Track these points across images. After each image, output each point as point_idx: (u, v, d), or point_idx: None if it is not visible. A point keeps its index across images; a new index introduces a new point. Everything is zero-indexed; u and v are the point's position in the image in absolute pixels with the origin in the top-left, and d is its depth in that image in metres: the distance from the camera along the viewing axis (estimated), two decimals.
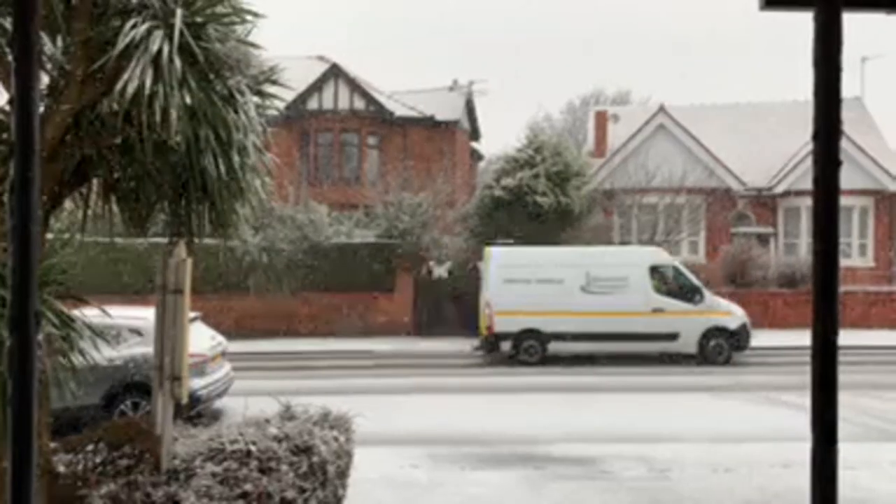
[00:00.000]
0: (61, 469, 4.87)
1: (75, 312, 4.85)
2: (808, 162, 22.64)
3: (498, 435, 9.27)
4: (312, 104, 26.46)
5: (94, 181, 5.34)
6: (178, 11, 4.12)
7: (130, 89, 3.96)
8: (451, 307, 20.01)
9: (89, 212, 5.35)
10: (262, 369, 14.02)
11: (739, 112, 26.62)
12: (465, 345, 18.04)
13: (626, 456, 8.18)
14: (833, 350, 1.04)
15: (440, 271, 20.22)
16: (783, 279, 20.82)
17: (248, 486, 4.88)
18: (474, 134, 32.43)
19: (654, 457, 8.12)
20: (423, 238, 20.51)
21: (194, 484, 4.83)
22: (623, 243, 22.54)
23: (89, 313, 5.05)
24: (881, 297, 20.18)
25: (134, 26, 4.05)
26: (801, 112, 23.15)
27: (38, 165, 1.56)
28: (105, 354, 6.43)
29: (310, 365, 15.49)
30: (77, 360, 4.69)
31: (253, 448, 5.07)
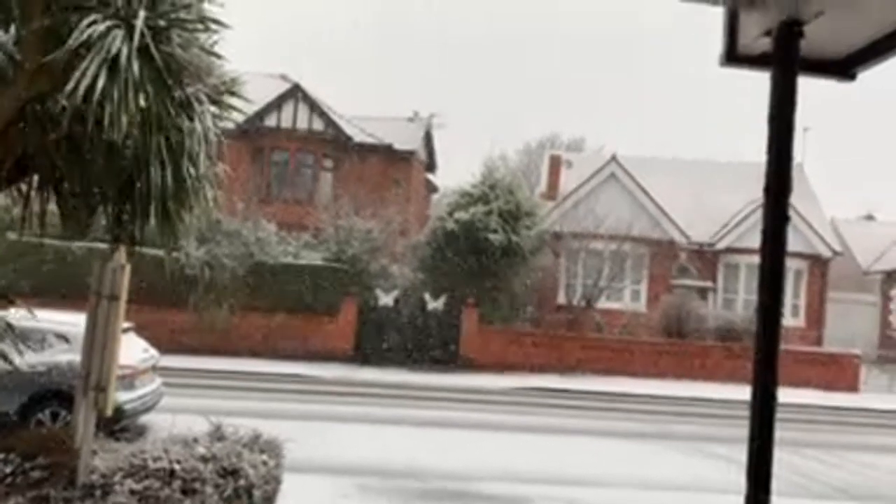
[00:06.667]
0: None
1: None
2: (750, 221, 23.48)
3: (430, 470, 9.16)
4: (270, 121, 26.23)
5: (35, 178, 5.14)
6: (141, 13, 4.04)
7: (83, 86, 3.84)
8: (394, 336, 19.84)
9: (27, 210, 5.13)
10: (194, 387, 13.57)
11: (688, 168, 27.52)
12: (406, 376, 17.86)
13: (555, 497, 8.17)
14: (772, 404, 1.06)
15: (386, 300, 20.08)
16: (720, 333, 21.37)
17: None
18: (431, 166, 32.64)
19: (582, 499, 8.13)
20: (372, 265, 20.37)
21: (110, 501, 4.60)
22: (569, 286, 22.85)
23: (14, 315, 4.82)
24: (809, 357, 20.90)
25: (93, 23, 3.94)
26: (746, 173, 24.02)
27: None
28: (27, 359, 6.14)
29: (244, 386, 15.08)
30: None
31: (177, 467, 4.87)
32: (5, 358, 4.55)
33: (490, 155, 41.11)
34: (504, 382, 17.85)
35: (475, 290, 20.20)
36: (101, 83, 3.82)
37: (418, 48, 65.54)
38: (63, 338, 9.05)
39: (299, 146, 26.46)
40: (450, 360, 19.77)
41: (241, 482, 5.08)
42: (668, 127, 61.80)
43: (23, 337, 4.83)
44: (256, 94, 17.36)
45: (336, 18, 66.83)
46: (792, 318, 23.82)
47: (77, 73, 3.83)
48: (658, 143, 58.46)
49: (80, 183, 4.94)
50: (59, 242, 15.93)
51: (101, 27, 3.92)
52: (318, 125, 26.58)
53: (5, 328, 4.53)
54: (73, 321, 8.46)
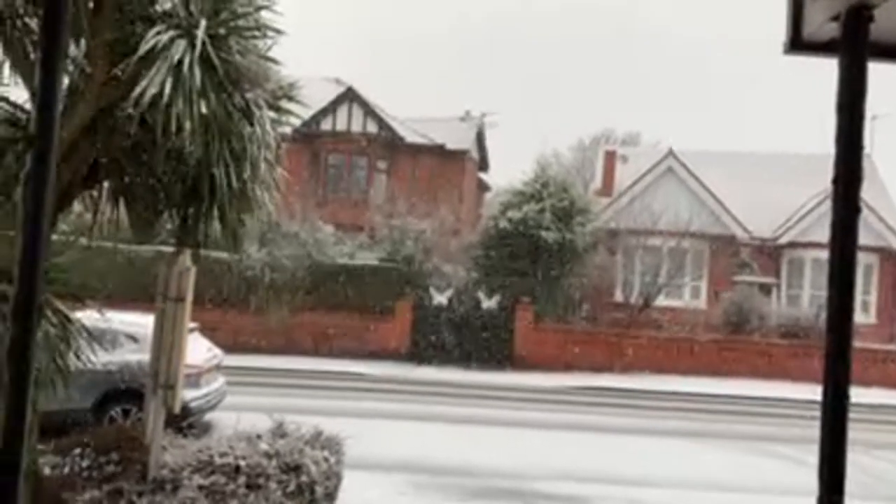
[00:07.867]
0: (47, 471, 4.81)
1: (75, 314, 4.83)
2: (814, 214, 22.66)
3: (485, 468, 9.16)
4: (326, 125, 26.66)
5: (104, 185, 5.36)
6: (203, 22, 4.16)
7: (148, 95, 3.99)
8: (449, 335, 19.90)
9: (98, 215, 5.36)
10: (256, 385, 13.91)
11: (747, 161, 26.71)
12: (461, 374, 17.90)
13: (613, 497, 8.06)
14: (844, 403, 1.03)
15: (441, 299, 20.16)
16: (784, 330, 20.69)
17: (234, 502, 4.81)
18: (483, 165, 32.59)
19: (642, 500, 8.00)
20: (426, 264, 20.48)
21: (180, 495, 4.77)
22: (625, 284, 22.50)
23: (87, 316, 5.03)
24: (881, 356, 20.03)
25: (157, 34, 4.09)
26: (808, 165, 23.20)
27: (54, 162, 1.57)
28: (100, 358, 6.40)
29: (304, 384, 15.36)
30: (72, 361, 4.66)
31: (242, 463, 5.01)
32: (79, 357, 4.76)
33: (543, 152, 40.79)
34: (559, 381, 17.70)
35: (529, 288, 20.09)
36: (166, 92, 3.96)
37: (470, 46, 65.64)
38: (133, 338, 9.40)
39: (353, 149, 26.82)
40: (504, 358, 19.71)
41: (304, 478, 5.19)
42: (726, 120, 60.17)
43: (96, 337, 5.04)
44: (311, 98, 17.65)
45: (388, 20, 67.47)
46: (862, 315, 22.86)
47: (144, 83, 3.98)
48: (715, 137, 57.00)
49: (147, 189, 5.13)
50: (128, 247, 16.54)
51: (165, 38, 4.06)
52: (371, 127, 26.89)
53: (80, 329, 4.74)
54: (142, 322, 8.77)
